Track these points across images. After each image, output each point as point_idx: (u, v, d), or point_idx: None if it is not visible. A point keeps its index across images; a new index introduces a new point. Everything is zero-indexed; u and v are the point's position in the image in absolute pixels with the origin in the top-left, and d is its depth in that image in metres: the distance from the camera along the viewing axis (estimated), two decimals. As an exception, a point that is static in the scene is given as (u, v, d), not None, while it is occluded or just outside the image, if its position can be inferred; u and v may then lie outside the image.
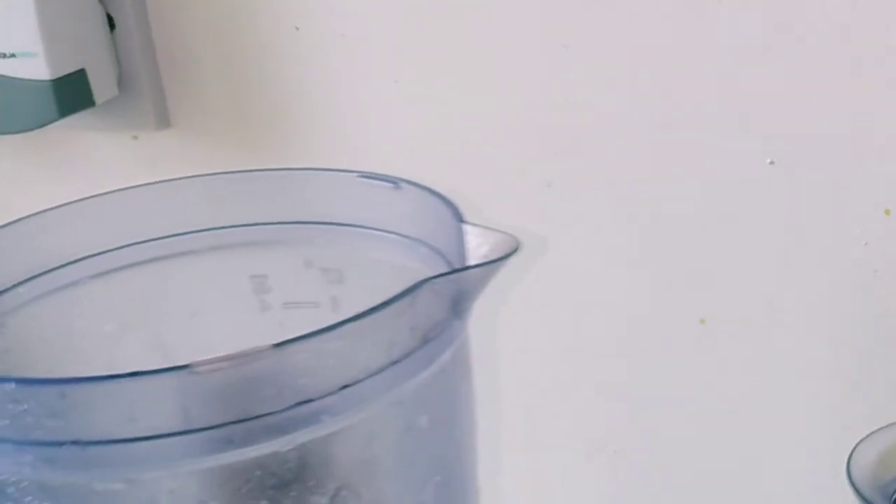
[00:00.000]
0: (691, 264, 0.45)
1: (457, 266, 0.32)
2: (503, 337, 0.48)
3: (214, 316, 0.39)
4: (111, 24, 0.48)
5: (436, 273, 0.30)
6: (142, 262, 0.38)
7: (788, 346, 0.45)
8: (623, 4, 0.42)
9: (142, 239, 0.37)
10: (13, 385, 0.25)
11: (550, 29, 0.43)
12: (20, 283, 0.36)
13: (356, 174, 0.37)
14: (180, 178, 0.37)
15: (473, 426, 0.34)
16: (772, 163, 0.42)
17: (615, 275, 0.47)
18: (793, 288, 0.44)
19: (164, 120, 0.50)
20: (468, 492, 0.34)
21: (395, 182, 0.36)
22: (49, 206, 0.36)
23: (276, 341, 0.26)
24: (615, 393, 0.49)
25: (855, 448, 0.35)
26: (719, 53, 0.41)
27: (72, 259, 0.37)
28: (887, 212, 0.41)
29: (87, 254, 0.37)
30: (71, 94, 0.46)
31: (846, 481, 0.36)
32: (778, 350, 0.45)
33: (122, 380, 0.25)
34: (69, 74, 0.45)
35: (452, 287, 0.30)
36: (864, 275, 0.42)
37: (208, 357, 0.26)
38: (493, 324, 0.47)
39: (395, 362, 0.28)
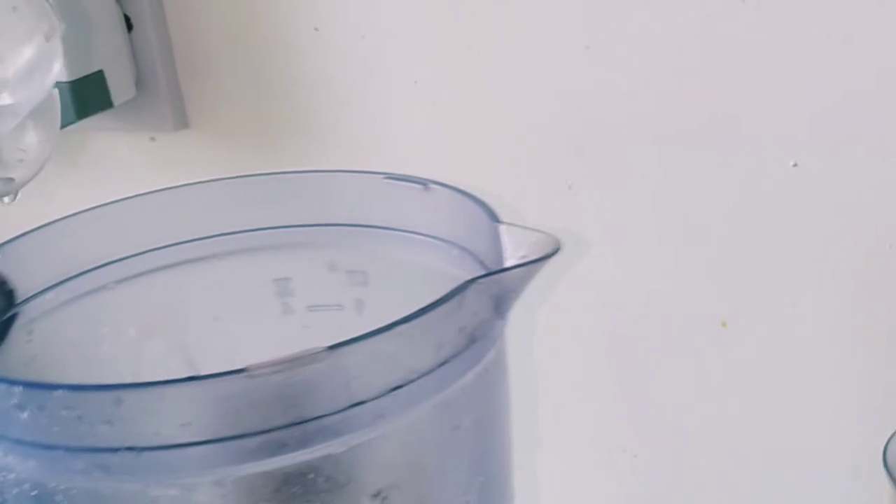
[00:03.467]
0: (712, 267, 0.45)
1: (490, 266, 0.32)
2: (523, 339, 0.48)
3: (238, 319, 0.39)
4: (129, 25, 0.47)
5: (467, 274, 0.30)
6: (165, 267, 0.37)
7: (811, 349, 0.45)
8: (645, 6, 0.42)
9: (165, 243, 0.37)
10: (66, 392, 0.25)
11: (572, 30, 0.43)
12: (46, 290, 0.35)
13: (382, 175, 0.36)
14: (203, 182, 0.37)
15: (510, 426, 0.34)
16: (795, 165, 0.42)
17: (635, 277, 0.47)
18: (816, 291, 0.44)
19: (182, 121, 0.50)
20: (507, 494, 0.34)
21: (423, 183, 0.36)
22: (68, 207, 0.35)
23: (301, 344, 0.26)
24: (636, 396, 0.48)
25: (890, 438, 0.35)
26: (742, 55, 0.41)
27: (97, 264, 0.36)
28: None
29: (111, 259, 0.36)
30: (89, 95, 0.45)
31: (869, 484, 0.36)
32: (800, 354, 0.45)
33: (178, 385, 0.25)
34: (87, 76, 0.45)
35: (496, 287, 0.30)
36: (888, 277, 0.42)
37: (263, 360, 0.25)
38: (524, 325, 0.47)
39: (443, 363, 0.28)
